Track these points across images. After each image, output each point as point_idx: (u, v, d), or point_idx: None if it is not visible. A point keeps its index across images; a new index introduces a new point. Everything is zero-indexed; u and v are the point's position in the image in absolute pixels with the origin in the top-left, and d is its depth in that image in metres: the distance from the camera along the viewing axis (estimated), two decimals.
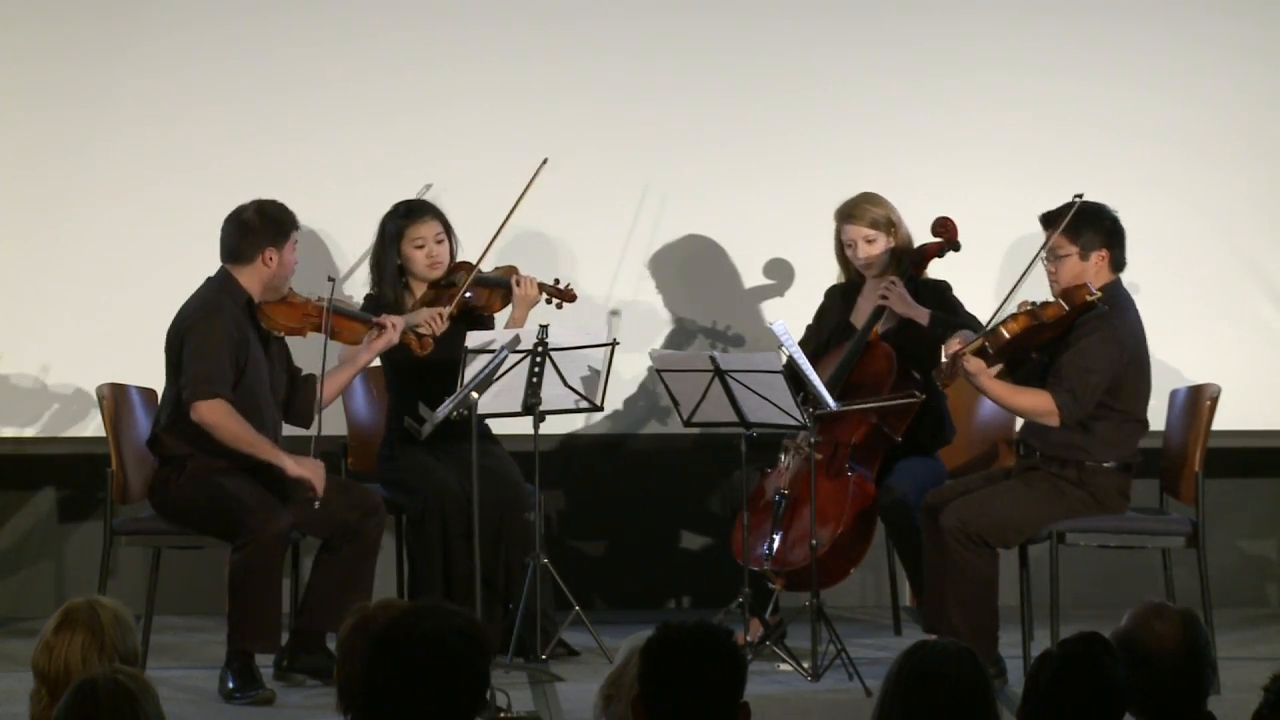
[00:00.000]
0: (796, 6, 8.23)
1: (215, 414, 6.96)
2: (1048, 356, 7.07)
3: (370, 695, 3.64)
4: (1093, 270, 7.05)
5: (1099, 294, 6.94)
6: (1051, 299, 7.01)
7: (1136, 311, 7.12)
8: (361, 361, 7.26)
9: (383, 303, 7.49)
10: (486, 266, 7.56)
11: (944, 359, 7.07)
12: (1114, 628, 4.17)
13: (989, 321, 7.03)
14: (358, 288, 7.88)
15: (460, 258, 7.58)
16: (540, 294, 7.49)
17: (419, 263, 7.50)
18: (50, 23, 8.10)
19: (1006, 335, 6.95)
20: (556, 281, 7.51)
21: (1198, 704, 4.10)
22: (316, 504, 7.01)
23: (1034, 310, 6.97)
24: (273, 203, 7.17)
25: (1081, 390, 6.94)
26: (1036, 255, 7.09)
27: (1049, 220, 7.09)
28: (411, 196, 7.69)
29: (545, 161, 7.50)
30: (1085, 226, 7.05)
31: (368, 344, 7.21)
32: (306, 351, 7.31)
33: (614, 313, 8.15)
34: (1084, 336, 6.98)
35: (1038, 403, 6.99)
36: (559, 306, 7.54)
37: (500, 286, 7.51)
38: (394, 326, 7.20)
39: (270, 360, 7.18)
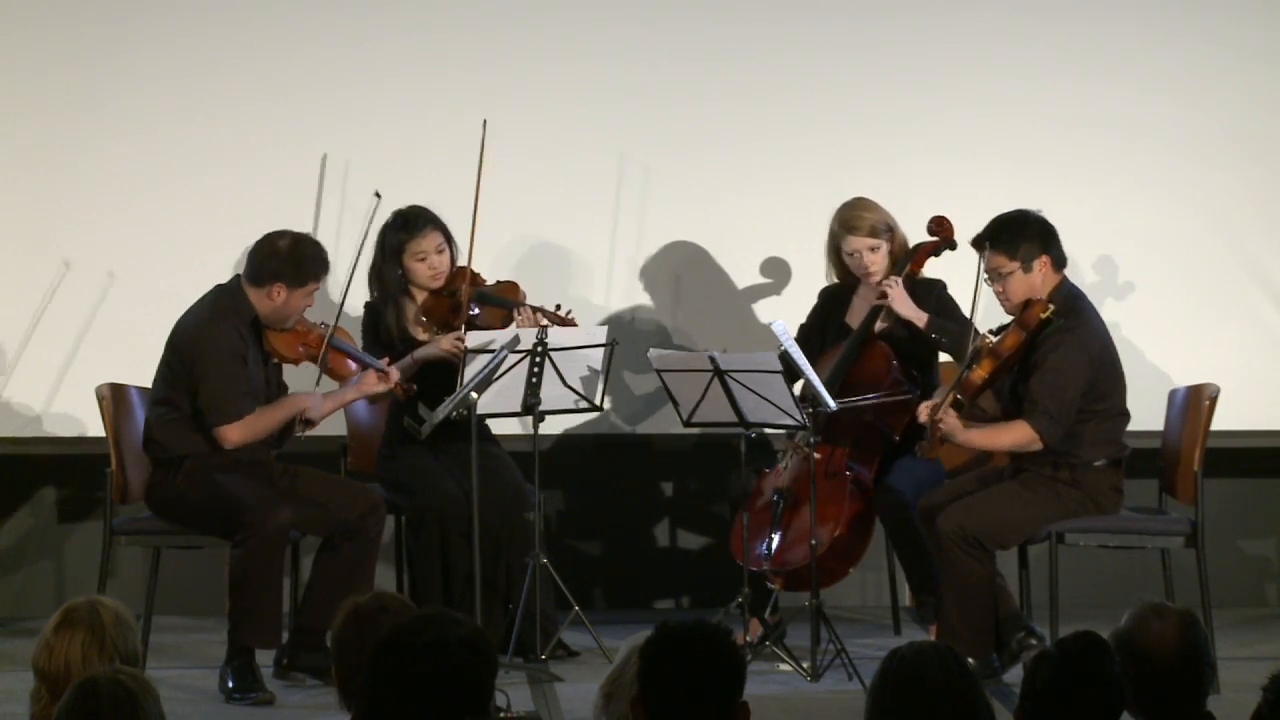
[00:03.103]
0: (794, 9, 8.23)
1: (242, 432, 7.03)
2: (1019, 375, 7.04)
3: (371, 699, 3.65)
4: (1039, 279, 7.01)
5: (1051, 307, 6.92)
6: (1008, 328, 6.97)
7: (1092, 306, 7.10)
8: (345, 399, 7.27)
9: (383, 313, 7.48)
10: (478, 264, 7.52)
11: (921, 418, 7.01)
12: (1114, 628, 4.17)
13: (961, 369, 6.99)
14: (357, 291, 7.91)
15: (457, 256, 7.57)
16: (541, 321, 7.45)
17: (421, 275, 7.49)
18: (54, 25, 8.10)
19: (976, 382, 6.94)
20: (558, 308, 7.47)
21: (1197, 704, 4.10)
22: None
23: (994, 348, 6.93)
24: (312, 244, 7.12)
25: (1058, 409, 6.92)
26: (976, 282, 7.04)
27: (980, 243, 7.05)
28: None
29: (485, 123, 7.45)
30: (1018, 238, 7.00)
31: (359, 383, 7.20)
32: (295, 374, 7.36)
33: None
34: (1050, 354, 6.93)
35: (1019, 436, 6.96)
36: None
37: (503, 308, 7.48)
38: (385, 378, 7.17)
39: (267, 378, 7.19)
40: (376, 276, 7.54)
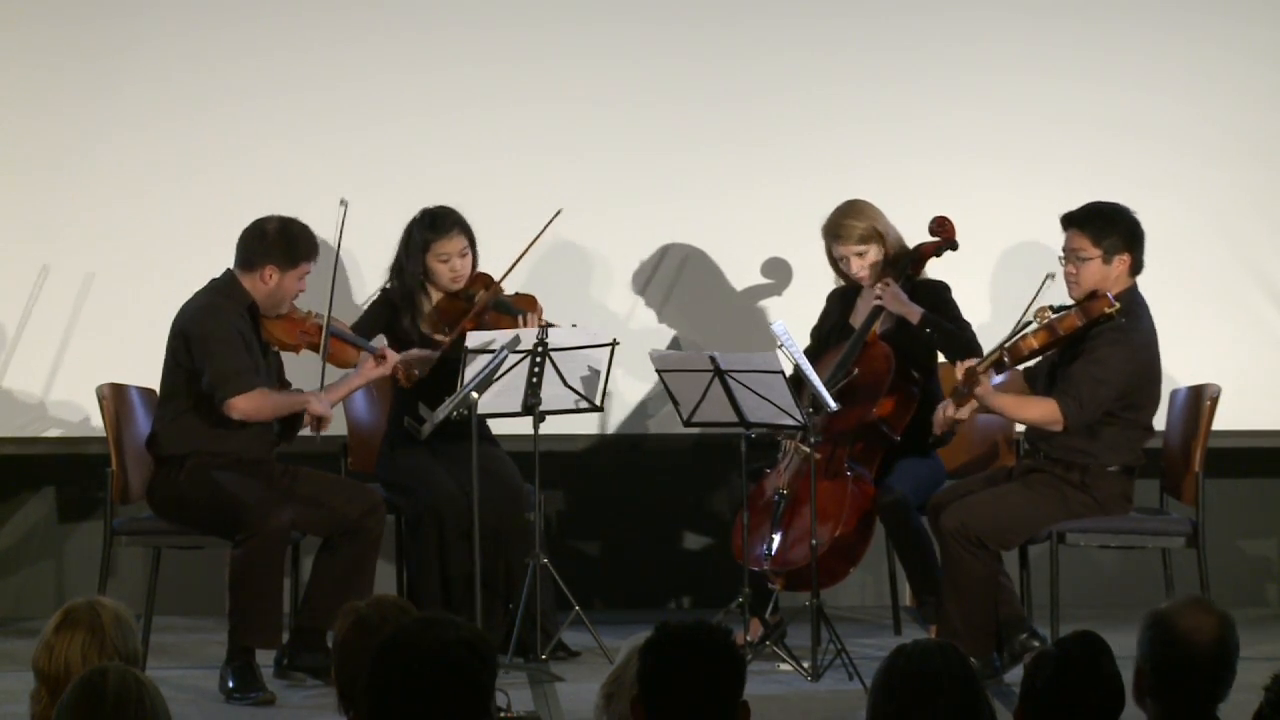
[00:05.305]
0: (795, 10, 8.23)
1: (250, 404, 7.02)
2: (1056, 357, 7.05)
3: (372, 701, 3.65)
4: (1114, 275, 7.01)
5: (1117, 305, 6.90)
6: (1069, 306, 6.96)
7: (1150, 318, 7.08)
8: (352, 385, 7.28)
9: (399, 300, 7.47)
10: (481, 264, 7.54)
11: (958, 375, 7.02)
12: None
13: (1010, 333, 6.97)
14: (359, 287, 7.89)
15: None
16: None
17: (442, 276, 7.49)
18: (52, 23, 8.10)
19: (1025, 350, 6.93)
20: (573, 326, 7.46)
21: (1211, 704, 4.09)
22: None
23: (1052, 324, 6.91)
24: (299, 226, 7.13)
25: (1089, 399, 6.92)
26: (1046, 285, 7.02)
27: (1071, 221, 7.05)
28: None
29: (559, 213, 7.46)
30: (1108, 227, 7.00)
31: (360, 371, 7.22)
32: (296, 366, 7.35)
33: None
34: (1100, 346, 6.93)
35: (1044, 411, 6.97)
36: None
37: (513, 316, 7.46)
38: (386, 359, 7.19)
39: (268, 368, 7.19)
40: (397, 268, 7.53)
